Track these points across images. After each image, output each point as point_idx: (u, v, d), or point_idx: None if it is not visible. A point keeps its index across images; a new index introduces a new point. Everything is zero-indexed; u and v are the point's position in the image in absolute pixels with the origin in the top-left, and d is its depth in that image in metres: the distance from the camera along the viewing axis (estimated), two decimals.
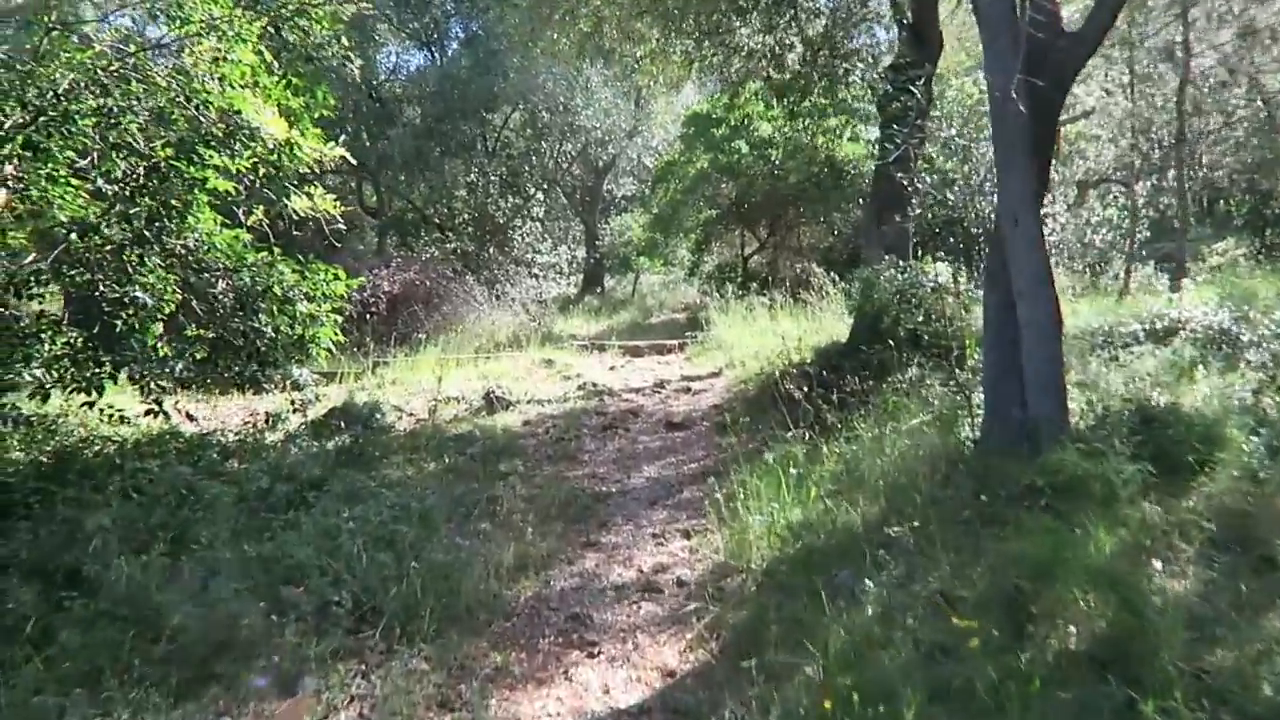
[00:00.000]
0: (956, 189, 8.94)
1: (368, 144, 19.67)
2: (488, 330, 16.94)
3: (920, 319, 7.87)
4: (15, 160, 6.69)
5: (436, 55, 20.38)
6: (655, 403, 10.31)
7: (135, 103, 7.01)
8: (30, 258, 7.20)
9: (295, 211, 8.74)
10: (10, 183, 6.94)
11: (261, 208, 8.83)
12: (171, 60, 7.48)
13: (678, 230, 19.06)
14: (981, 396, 6.15)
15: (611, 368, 12.16)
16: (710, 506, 6.16)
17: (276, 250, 8.57)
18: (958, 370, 6.58)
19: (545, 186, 21.74)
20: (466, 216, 21.17)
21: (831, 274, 13.21)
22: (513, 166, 22.12)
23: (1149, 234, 21.33)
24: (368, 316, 16.14)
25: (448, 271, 18.02)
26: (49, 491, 5.96)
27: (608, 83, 19.55)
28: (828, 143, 17.39)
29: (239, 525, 5.62)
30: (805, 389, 8.64)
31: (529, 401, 9.99)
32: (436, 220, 21.64)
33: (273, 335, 8.29)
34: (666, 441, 8.76)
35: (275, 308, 8.41)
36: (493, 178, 20.55)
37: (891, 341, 7.93)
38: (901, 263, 8.45)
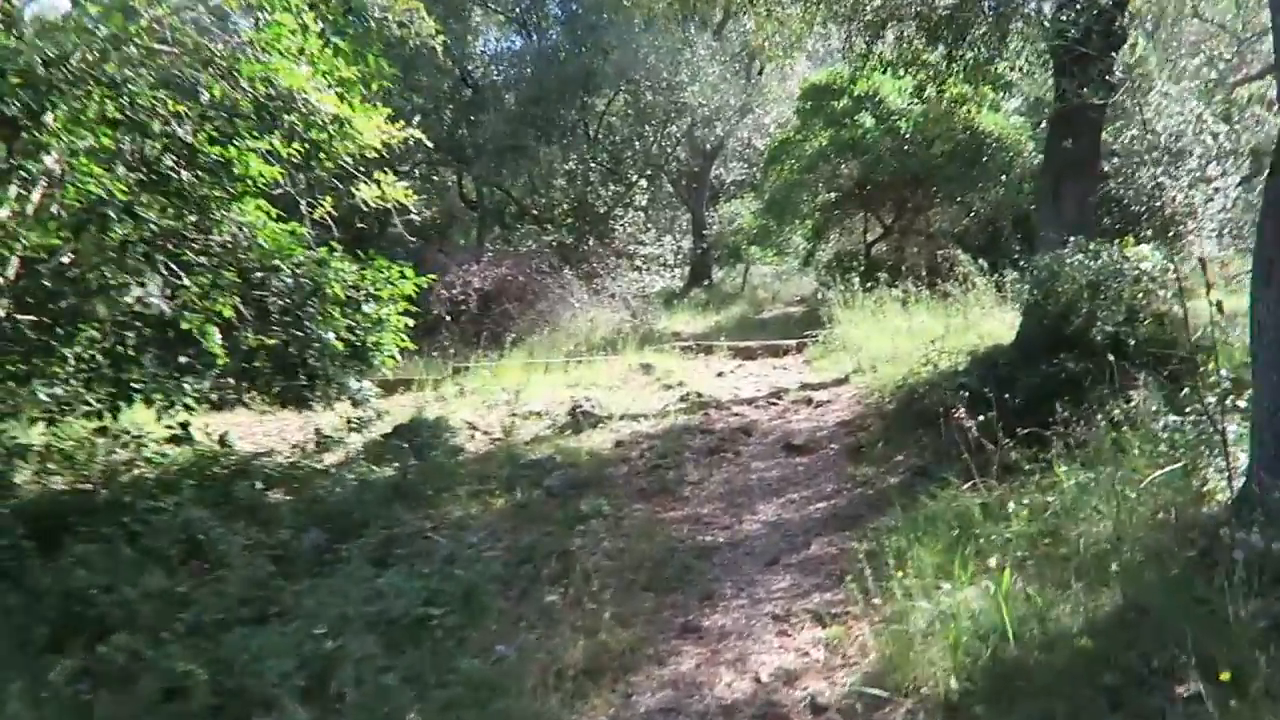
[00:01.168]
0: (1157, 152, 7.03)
1: (463, 133, 18.64)
2: (585, 329, 15.63)
3: (1122, 318, 6.00)
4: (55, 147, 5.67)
5: (534, 36, 19.14)
6: (771, 417, 8.70)
7: (150, 73, 5.88)
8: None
9: (365, 202, 7.59)
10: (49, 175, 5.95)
11: (329, 199, 7.70)
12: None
13: (793, 216, 17.28)
14: (1240, 432, 4.34)
15: (720, 373, 10.59)
16: (851, 575, 4.55)
17: (336, 246, 7.44)
18: (1197, 392, 4.75)
19: (649, 173, 20.27)
20: (565, 207, 19.92)
21: (980, 261, 11.26)
22: (614, 153, 20.75)
23: None
24: (457, 316, 15.09)
25: (544, 266, 16.78)
26: (18, 547, 4.83)
27: (715, 56, 17.91)
28: (967, 112, 15.30)
29: (212, 607, 4.30)
30: (965, 408, 6.91)
31: (622, 417, 8.53)
32: (534, 211, 20.48)
33: (322, 343, 7.09)
34: (786, 469, 7.16)
35: (329, 310, 7.23)
36: (593, 165, 19.21)
37: (1081, 348, 6.10)
38: (1091, 245, 6.58)
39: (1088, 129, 7.27)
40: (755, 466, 7.26)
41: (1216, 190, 16.77)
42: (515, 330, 14.95)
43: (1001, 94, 17.85)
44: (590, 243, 18.71)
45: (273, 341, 6.88)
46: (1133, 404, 5.27)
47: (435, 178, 22.41)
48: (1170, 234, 15.24)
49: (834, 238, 19.69)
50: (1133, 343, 5.98)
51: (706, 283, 23.01)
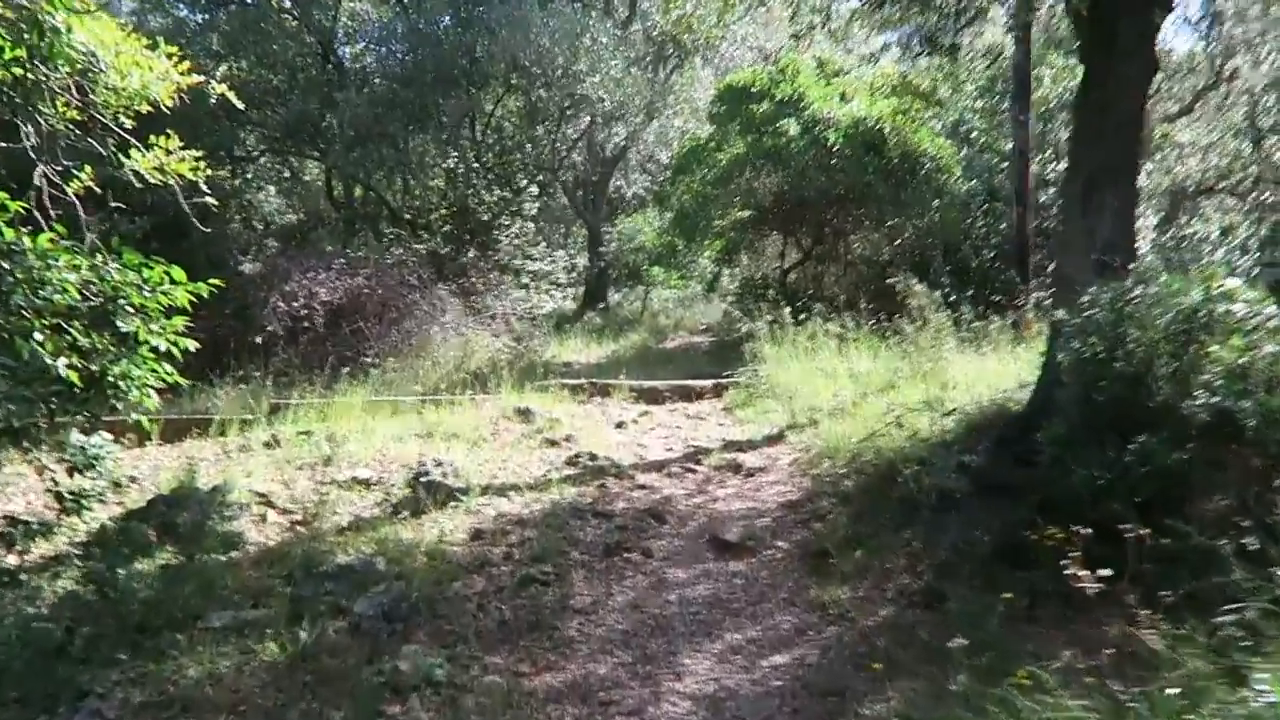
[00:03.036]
0: None
1: (321, 115, 15.87)
2: (456, 356, 13.12)
3: (1236, 388, 3.98)
4: None
5: (409, 10, 16.50)
6: (689, 492, 6.44)
7: None
8: None
9: (139, 175, 5.07)
10: None
11: (89, 170, 5.17)
12: None
13: (701, 234, 15.21)
14: None
15: (619, 423, 8.24)
16: None
17: (60, 232, 4.92)
18: None
19: (540, 178, 17.89)
20: (443, 212, 17.32)
21: (938, 291, 9.33)
22: (502, 154, 18.31)
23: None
24: (297, 335, 12.37)
25: (411, 278, 14.17)
26: None
27: (619, 48, 15.73)
28: (899, 126, 13.59)
29: None
30: (971, 497, 4.87)
31: (486, 490, 6.11)
32: (407, 215, 17.81)
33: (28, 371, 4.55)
34: (719, 585, 4.89)
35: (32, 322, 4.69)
36: (475, 165, 16.71)
37: (1171, 428, 4.05)
38: (1163, 276, 4.59)
39: (1127, 117, 5.32)
40: (674, 578, 4.96)
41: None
42: (371, 354, 12.36)
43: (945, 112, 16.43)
44: (470, 254, 16.18)
45: None
46: None
47: (290, 172, 19.51)
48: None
49: (744, 261, 17.77)
50: (1252, 423, 3.96)
51: (602, 305, 20.75)
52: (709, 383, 9.86)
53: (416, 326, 13.40)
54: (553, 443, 7.28)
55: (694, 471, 6.82)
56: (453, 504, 5.82)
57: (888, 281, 9.69)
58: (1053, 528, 4.18)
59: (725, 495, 6.35)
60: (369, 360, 12.23)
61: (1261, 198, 18.84)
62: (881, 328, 10.20)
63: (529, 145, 18.08)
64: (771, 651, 4.12)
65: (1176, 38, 20.96)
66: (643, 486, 6.44)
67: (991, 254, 15.81)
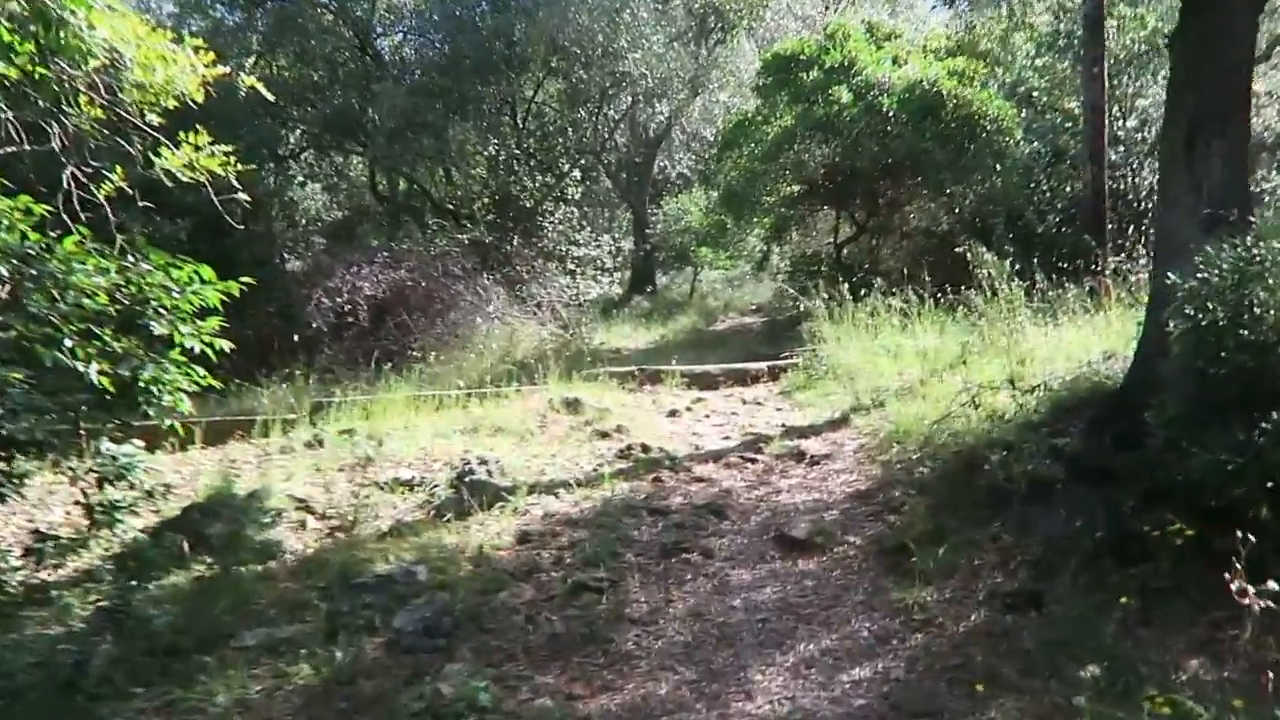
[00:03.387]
0: None
1: (361, 109, 15.68)
2: (503, 346, 12.84)
3: None
4: None
5: None
6: (750, 483, 6.02)
7: None
8: None
9: (171, 173, 4.84)
10: None
11: (120, 170, 4.97)
12: None
13: (751, 211, 14.68)
14: None
15: (672, 411, 7.84)
16: None
17: (84, 232, 4.73)
18: None
19: (583, 162, 17.49)
20: (486, 200, 17.04)
21: (1016, 263, 8.73)
22: (544, 139, 17.96)
23: None
24: (342, 331, 12.21)
25: (455, 269, 13.92)
26: None
27: (660, 21, 15.23)
28: (957, 88, 12.91)
29: None
30: (1067, 485, 4.39)
31: (533, 489, 5.76)
32: (450, 205, 17.57)
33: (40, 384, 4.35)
34: (787, 587, 4.48)
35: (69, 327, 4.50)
36: (517, 151, 16.37)
37: None
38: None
39: (1236, 50, 4.74)
40: (738, 581, 4.56)
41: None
42: (416, 348, 12.14)
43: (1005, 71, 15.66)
44: (514, 242, 15.87)
45: None
46: None
47: (333, 167, 19.39)
48: None
49: (794, 238, 17.21)
50: None
51: (650, 289, 20.36)
52: (764, 365, 9.41)
53: (462, 318, 13.16)
54: (603, 434, 6.91)
55: (754, 461, 6.39)
56: (499, 504, 5.47)
57: (957, 250, 9.10)
58: (1168, 517, 3.72)
59: (789, 486, 5.92)
60: (414, 354, 12.03)
61: None
62: (946, 301, 9.64)
63: (570, 129, 17.71)
64: (851, 664, 3.70)
65: None
66: (700, 479, 6.04)
67: (1058, 219, 15.02)
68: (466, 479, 5.70)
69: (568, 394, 7.76)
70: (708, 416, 7.70)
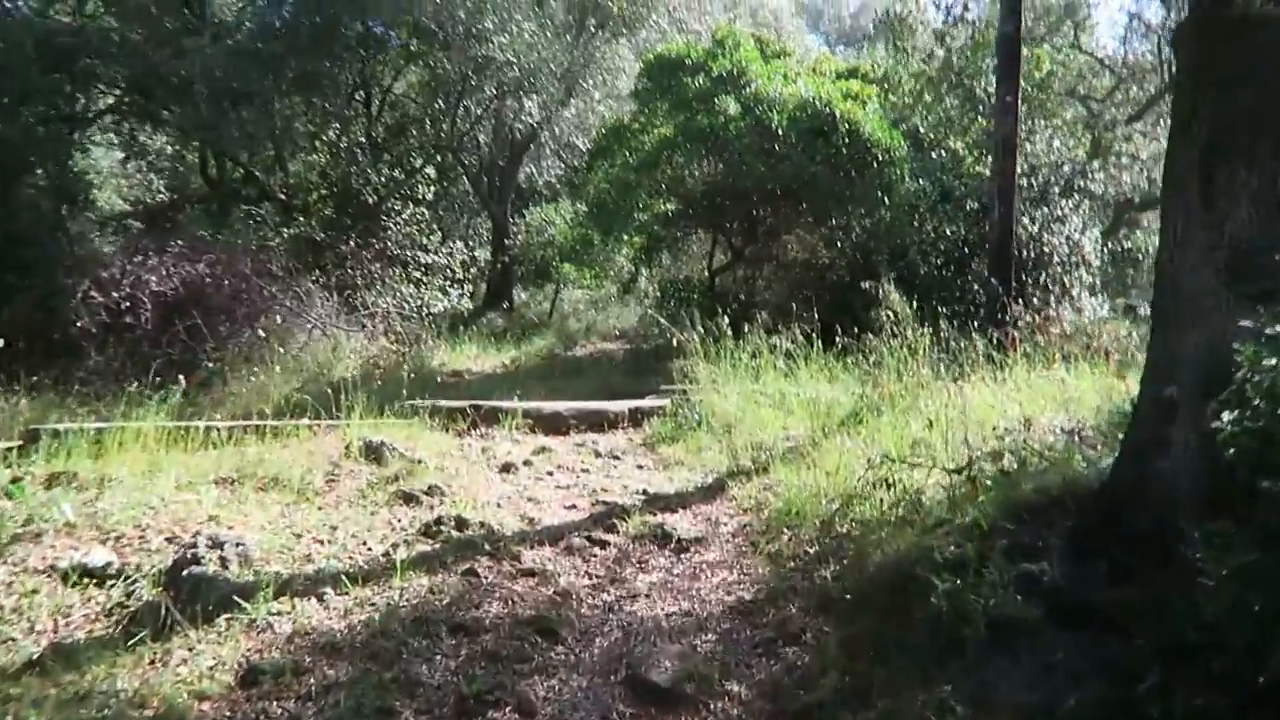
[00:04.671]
0: None
1: (174, 69, 13.36)
2: (324, 361, 10.93)
3: None
4: None
5: None
6: (598, 581, 4.46)
7: None
8: None
9: None
10: None
11: None
12: None
13: (621, 227, 13.27)
14: None
15: (508, 465, 6.16)
16: None
17: None
18: None
19: (439, 159, 15.67)
20: (324, 192, 14.99)
21: (914, 302, 7.57)
22: (396, 129, 16.04)
23: None
24: (118, 333, 10.02)
25: (274, 267, 11.88)
26: None
27: (534, 5, 13.67)
28: (850, 111, 11.93)
29: None
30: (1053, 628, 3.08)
31: (288, 585, 4.00)
32: (282, 194, 15.40)
33: None
34: None
35: None
36: (362, 140, 14.42)
37: None
38: None
39: (1270, 51, 3.57)
40: None
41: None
42: (213, 359, 10.10)
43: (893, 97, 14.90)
44: (352, 242, 13.89)
45: None
46: None
47: (148, 138, 16.83)
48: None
49: (665, 261, 15.95)
50: None
51: (506, 305, 18.65)
52: (625, 406, 7.90)
53: (276, 326, 11.16)
54: (409, 498, 5.20)
55: (604, 545, 4.85)
56: (229, 614, 3.71)
57: (841, 286, 7.91)
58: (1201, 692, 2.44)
59: (649, 587, 4.40)
60: (209, 366, 9.98)
61: None
62: (836, 344, 8.45)
63: (428, 121, 15.86)
64: None
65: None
66: (529, 572, 4.44)
67: (940, 261, 14.35)
68: (186, 572, 3.90)
69: (373, 437, 6.01)
70: (551, 474, 6.09)
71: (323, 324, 11.42)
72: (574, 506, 5.46)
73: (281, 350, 10.56)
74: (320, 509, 5.07)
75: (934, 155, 15.55)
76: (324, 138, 14.17)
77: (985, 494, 4.33)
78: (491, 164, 18.04)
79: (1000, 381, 7.59)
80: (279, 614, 3.79)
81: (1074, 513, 3.56)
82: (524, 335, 15.95)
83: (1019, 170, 15.28)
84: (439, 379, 11.41)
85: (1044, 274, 13.21)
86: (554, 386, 10.70)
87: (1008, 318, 8.76)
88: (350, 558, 4.43)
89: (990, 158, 15.73)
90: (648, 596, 4.28)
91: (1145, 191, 19.03)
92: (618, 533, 5.04)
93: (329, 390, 8.96)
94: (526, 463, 6.17)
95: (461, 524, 4.82)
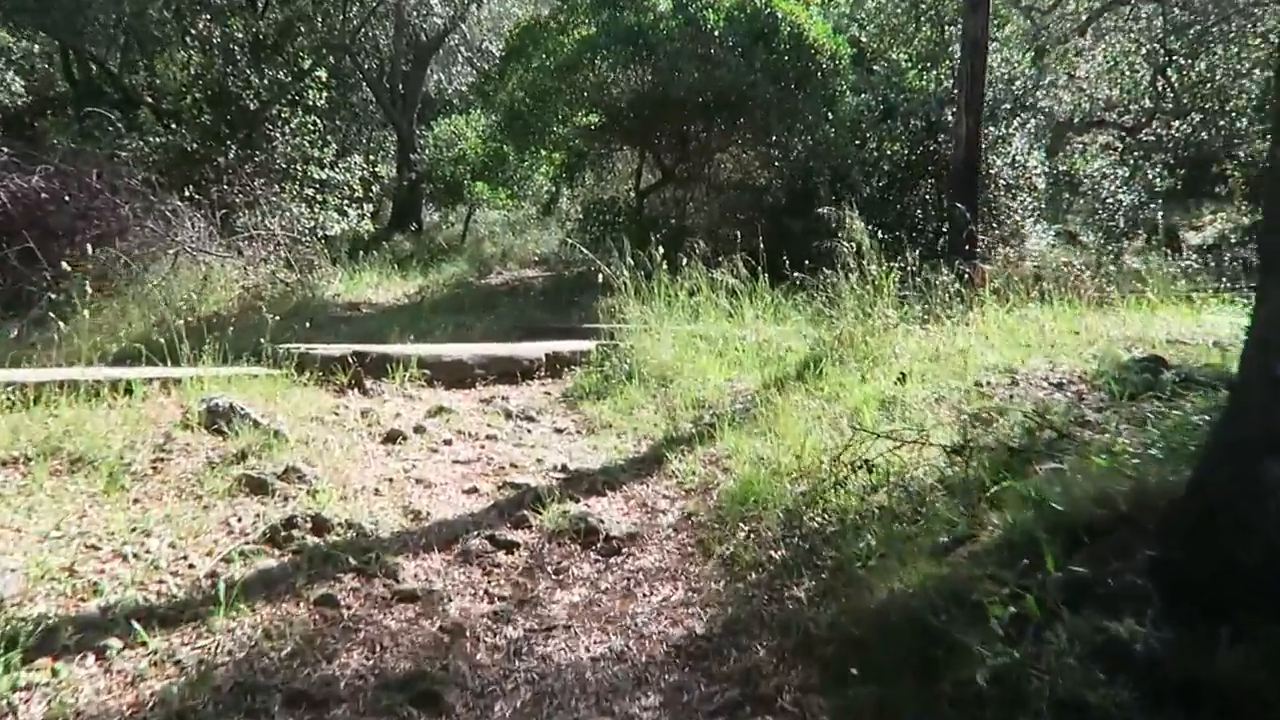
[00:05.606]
0: None
1: None
2: (193, 291, 9.45)
3: None
4: None
5: None
6: (502, 609, 3.36)
7: None
8: None
9: None
10: None
11: None
12: None
13: (537, 140, 11.89)
14: None
15: (393, 435, 4.93)
16: None
17: None
18: None
19: (330, 59, 13.89)
20: (197, 96, 13.13)
21: (878, 233, 6.52)
22: (286, 26, 14.14)
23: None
24: None
25: (133, 182, 10.22)
26: None
27: None
28: (793, 12, 10.69)
29: None
30: None
31: (54, 631, 2.82)
32: (149, 98, 13.49)
33: None
34: None
35: None
36: (238, 35, 12.58)
37: None
38: None
39: None
40: None
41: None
42: (56, 290, 8.58)
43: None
44: (231, 154, 12.19)
45: None
46: None
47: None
48: None
49: (588, 181, 14.64)
50: None
51: (415, 228, 17.10)
52: (542, 351, 6.73)
53: (135, 250, 9.60)
54: (257, 485, 4.00)
55: (512, 548, 3.76)
56: None
57: (818, 211, 6.86)
58: None
59: (569, 612, 3.34)
60: (51, 298, 8.46)
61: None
62: (782, 278, 7.41)
63: (319, 17, 14.01)
64: None
65: None
66: (409, 596, 3.33)
67: (881, 183, 13.41)
68: None
69: (221, 398, 4.74)
70: (449, 443, 4.92)
71: (194, 249, 9.88)
72: (475, 491, 4.33)
73: (143, 280, 9.08)
74: (135, 503, 3.83)
75: (874, 68, 14.48)
76: (193, 32, 12.29)
77: (990, 476, 3.39)
78: (394, 69, 16.25)
79: (968, 323, 6.71)
80: (28, 689, 2.61)
81: (1153, 536, 2.59)
82: (433, 261, 14.53)
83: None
84: (331, 313, 10.04)
85: (990, 199, 12.38)
86: (462, 322, 9.45)
87: (976, 248, 7.87)
88: (159, 584, 3.24)
89: (934, 71, 14.80)
90: (567, 628, 3.22)
91: (1085, 111, 18.32)
92: (530, 528, 3.95)
93: (191, 329, 7.62)
94: (418, 429, 4.98)
95: (321, 526, 3.66)
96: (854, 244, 6.24)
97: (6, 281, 8.27)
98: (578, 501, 4.21)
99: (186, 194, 10.77)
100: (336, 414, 5.04)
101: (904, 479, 3.76)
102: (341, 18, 13.88)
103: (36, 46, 17.85)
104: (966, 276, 7.05)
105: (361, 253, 13.46)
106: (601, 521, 3.98)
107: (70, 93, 16.51)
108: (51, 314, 8.22)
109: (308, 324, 8.87)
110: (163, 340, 6.49)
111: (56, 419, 4.57)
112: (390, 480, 4.29)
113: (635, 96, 11.19)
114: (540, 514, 4.04)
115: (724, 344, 6.35)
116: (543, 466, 4.63)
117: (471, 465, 4.65)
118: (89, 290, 8.63)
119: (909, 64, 13.93)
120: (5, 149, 9.15)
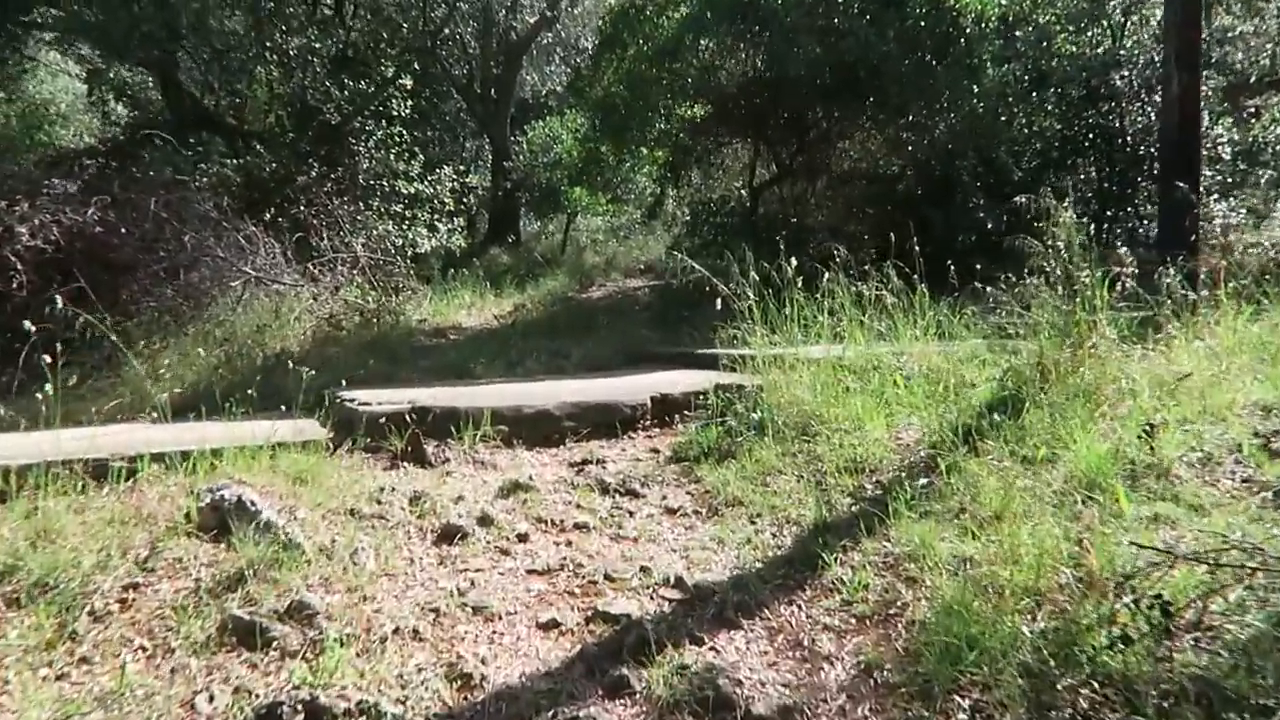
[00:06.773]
0: None
1: None
2: (263, 323, 8.61)
3: None
4: None
5: None
6: None
7: None
8: None
9: None
10: None
11: None
12: None
13: (638, 137, 10.64)
14: None
15: (448, 531, 3.64)
16: None
17: None
18: None
19: (416, 66, 12.99)
20: (280, 113, 12.45)
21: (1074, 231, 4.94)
22: (368, 33, 13.35)
23: None
24: None
25: (207, 208, 9.48)
26: None
27: None
28: None
29: None
30: None
31: None
32: (231, 119, 12.90)
33: None
34: None
35: None
36: (315, 45, 11.78)
37: None
38: None
39: None
40: None
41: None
42: (115, 330, 7.75)
43: None
44: (313, 172, 11.40)
45: None
46: None
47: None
48: None
49: (695, 179, 13.35)
50: None
51: (512, 239, 16.13)
52: (648, 392, 5.41)
53: (207, 281, 8.84)
54: (249, 633, 2.82)
55: None
56: None
57: (1018, 201, 5.34)
58: None
59: None
60: (112, 340, 7.67)
61: None
62: (946, 288, 5.92)
63: (400, 21, 13.13)
64: None
65: None
66: None
67: (1033, 164, 11.68)
68: None
69: (229, 488, 3.62)
70: (524, 539, 3.66)
71: (263, 277, 9.04)
72: (555, 626, 3.05)
73: (210, 315, 8.29)
74: (79, 666, 2.72)
75: (1018, 34, 12.68)
76: (270, 43, 11.54)
77: None
78: (484, 72, 15.29)
79: (1201, 337, 5.10)
80: None
81: None
82: (531, 274, 13.49)
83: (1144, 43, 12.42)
84: (414, 342, 9.03)
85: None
86: (558, 349, 8.27)
87: (1197, 237, 6.17)
88: None
89: (1088, 32, 12.85)
90: None
91: (1263, 68, 15.92)
92: (632, 697, 2.64)
93: (256, 368, 6.74)
94: (484, 520, 3.74)
95: (318, 716, 2.44)
96: (1059, 242, 4.70)
97: (61, 323, 7.52)
98: (701, 643, 2.89)
99: (264, 218, 9.98)
100: (379, 501, 3.85)
101: (1215, 623, 2.31)
102: (422, 20, 12.95)
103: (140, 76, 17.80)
104: (1188, 277, 5.39)
105: (454, 270, 12.50)
106: (739, 684, 2.65)
107: (169, 120, 16.29)
108: (112, 356, 7.49)
109: (388, 355, 7.90)
110: (217, 389, 5.58)
111: (32, 517, 3.55)
112: (436, 612, 3.06)
113: (745, 81, 9.80)
114: (647, 669, 2.73)
115: (878, 377, 4.91)
116: (650, 579, 3.31)
117: (553, 578, 3.37)
118: (145, 330, 7.90)
119: (1057, 26, 12.11)
120: (58, 179, 8.48)
